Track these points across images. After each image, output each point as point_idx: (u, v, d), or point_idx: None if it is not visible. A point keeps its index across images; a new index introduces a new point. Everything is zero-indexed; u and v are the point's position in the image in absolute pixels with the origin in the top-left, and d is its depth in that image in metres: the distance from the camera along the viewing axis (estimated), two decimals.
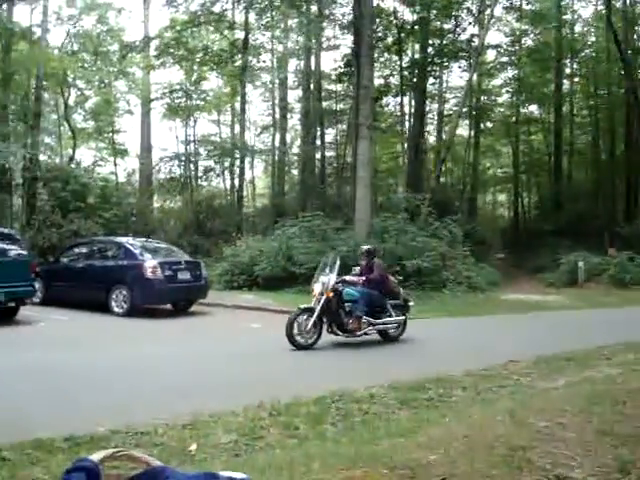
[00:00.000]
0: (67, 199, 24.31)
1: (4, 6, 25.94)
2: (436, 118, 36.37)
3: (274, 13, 28.26)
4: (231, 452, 5.13)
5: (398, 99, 32.89)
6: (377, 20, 26.88)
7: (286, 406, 6.29)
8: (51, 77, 29.12)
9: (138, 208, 29.32)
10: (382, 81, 31.98)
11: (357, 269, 11.70)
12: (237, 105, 33.55)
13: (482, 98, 35.75)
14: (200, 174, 33.55)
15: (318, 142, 33.45)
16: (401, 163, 34.56)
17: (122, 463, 2.44)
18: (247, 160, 32.03)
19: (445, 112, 35.65)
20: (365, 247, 12.07)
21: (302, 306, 10.82)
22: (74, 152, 31.63)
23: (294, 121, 37.64)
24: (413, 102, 33.19)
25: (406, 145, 32.56)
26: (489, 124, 37.48)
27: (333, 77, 32.89)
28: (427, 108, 34.48)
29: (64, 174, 25.60)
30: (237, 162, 30.86)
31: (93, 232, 22.23)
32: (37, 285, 14.50)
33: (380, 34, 28.99)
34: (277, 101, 35.13)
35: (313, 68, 33.23)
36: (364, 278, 11.20)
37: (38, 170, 25.58)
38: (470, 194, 35.85)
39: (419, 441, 4.47)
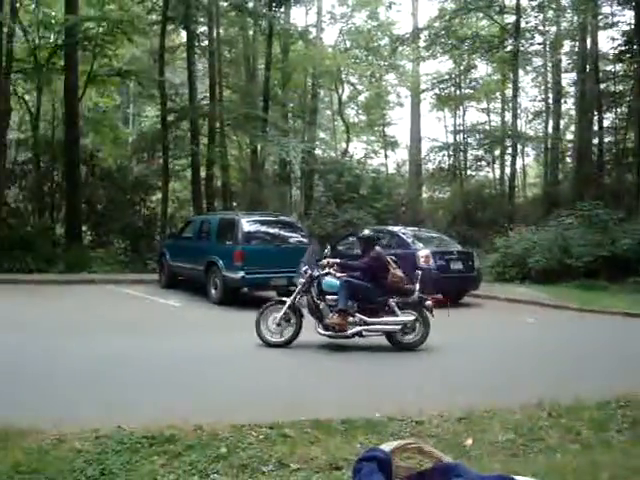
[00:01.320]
0: (341, 190, 25.34)
1: (281, 9, 27.62)
2: None
3: None
4: (508, 451, 4.93)
5: None
6: None
7: (567, 409, 5.92)
8: (326, 74, 30.49)
9: (408, 198, 29.74)
10: None
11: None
12: (507, 92, 32.59)
13: None
14: (469, 164, 33.14)
15: (595, 127, 31.38)
16: None
17: (412, 455, 2.37)
18: (518, 148, 30.99)
19: None
20: (363, 233, 10.50)
21: (278, 298, 9.91)
22: (347, 145, 32.92)
23: (568, 106, 35.71)
24: None
25: None
26: None
27: (611, 57, 30.62)
28: None
29: (338, 167, 26.72)
30: (507, 151, 30.01)
31: (366, 222, 22.87)
32: None
33: None
34: (550, 85, 33.54)
35: (589, 48, 31.21)
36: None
37: (315, 163, 26.96)
38: None
39: None
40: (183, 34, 26.28)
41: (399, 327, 9.30)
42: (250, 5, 26.15)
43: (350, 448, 4.90)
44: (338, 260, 10.11)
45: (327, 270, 9.63)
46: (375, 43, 33.46)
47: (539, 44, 30.27)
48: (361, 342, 9.39)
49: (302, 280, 9.51)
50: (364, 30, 33.36)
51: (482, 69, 34.66)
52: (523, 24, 28.14)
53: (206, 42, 25.21)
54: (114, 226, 22.53)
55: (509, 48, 28.29)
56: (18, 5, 21.82)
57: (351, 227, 21.76)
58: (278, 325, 9.32)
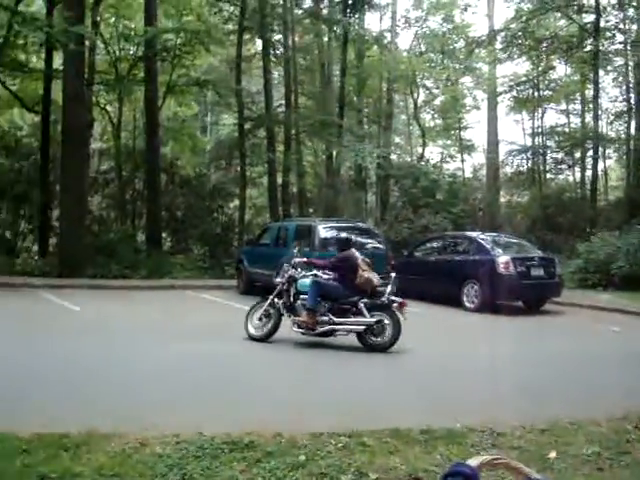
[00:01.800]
0: (417, 195, 25.13)
1: (356, 15, 27.65)
2: None
3: None
4: (593, 465, 4.76)
5: None
6: None
7: None
8: (401, 79, 30.37)
9: (485, 203, 29.29)
10: None
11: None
12: (587, 92, 31.73)
13: None
14: (549, 167, 32.41)
15: None
16: None
17: (499, 471, 2.31)
18: (599, 150, 30.12)
19: None
20: (339, 236, 11.06)
21: (267, 296, 10.05)
22: (423, 150, 32.67)
23: None
24: None
25: None
26: None
27: None
28: None
29: (414, 171, 26.51)
30: (588, 153, 29.20)
31: (442, 227, 22.64)
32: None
33: None
34: (632, 85, 32.47)
35: None
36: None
37: (390, 168, 26.85)
38: None
39: None
40: (259, 43, 26.69)
41: (363, 328, 9.35)
42: (325, 12, 26.32)
43: (430, 459, 4.84)
44: (305, 259, 10.50)
45: (315, 271, 9.99)
46: (450, 46, 33.15)
47: (620, 43, 29.32)
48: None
49: (278, 280, 10.05)
50: (439, 33, 33.09)
51: (561, 70, 33.90)
52: (603, 23, 27.31)
53: (281, 50, 25.48)
54: (193, 233, 22.98)
55: (588, 48, 27.53)
56: (99, 19, 22.56)
57: (428, 233, 21.55)
58: (260, 320, 9.92)
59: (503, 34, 29.15)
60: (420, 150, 33.20)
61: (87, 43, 19.19)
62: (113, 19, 25.08)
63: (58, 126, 20.54)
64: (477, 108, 36.35)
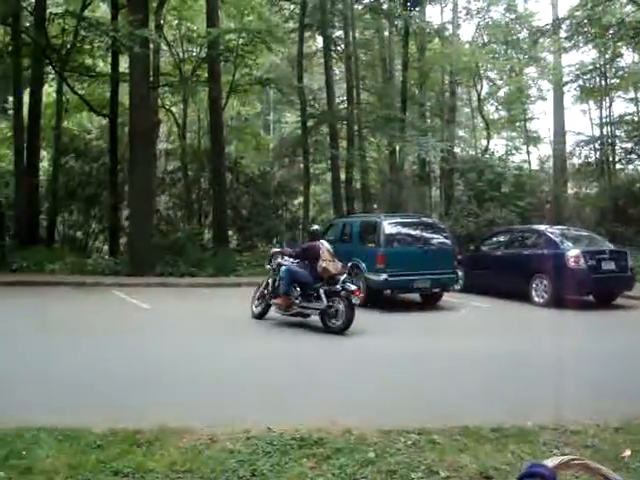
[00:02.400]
0: (482, 189, 24.80)
1: (417, 8, 27.40)
2: None
3: None
4: None
5: None
6: None
7: None
8: (463, 71, 29.96)
9: (552, 195, 28.70)
10: None
11: None
12: None
13: None
14: (618, 157, 31.50)
15: None
16: None
17: (576, 472, 2.26)
18: None
19: None
20: (309, 228, 13.02)
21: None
22: (488, 142, 32.17)
23: None
24: None
25: None
26: None
27: None
28: None
29: (479, 164, 26.18)
30: None
31: (509, 221, 22.28)
32: (459, 273, 15.03)
33: None
34: None
35: None
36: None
37: (454, 162, 26.57)
38: None
39: None
40: (320, 40, 26.69)
41: (319, 311, 10.65)
42: (385, 6, 26.18)
43: (501, 457, 4.78)
44: (279, 249, 12.39)
45: (291, 260, 11.49)
46: (514, 36, 32.47)
47: None
48: None
49: (268, 267, 11.98)
50: (502, 23, 32.47)
51: (629, 57, 32.88)
52: None
53: (342, 46, 25.46)
54: (258, 230, 23.20)
55: None
56: (162, 22, 22.98)
57: (494, 227, 21.23)
58: (257, 300, 11.77)
59: (568, 22, 28.42)
60: (484, 143, 32.73)
61: (151, 46, 19.54)
62: (176, 22, 25.53)
63: (125, 128, 21.00)
64: (543, 99, 35.57)
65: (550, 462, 2.13)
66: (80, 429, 5.14)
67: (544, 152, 35.95)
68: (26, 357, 8.13)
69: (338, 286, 10.46)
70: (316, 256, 10.89)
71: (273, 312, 11.47)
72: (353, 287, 10.55)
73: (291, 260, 11.42)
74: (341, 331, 10.29)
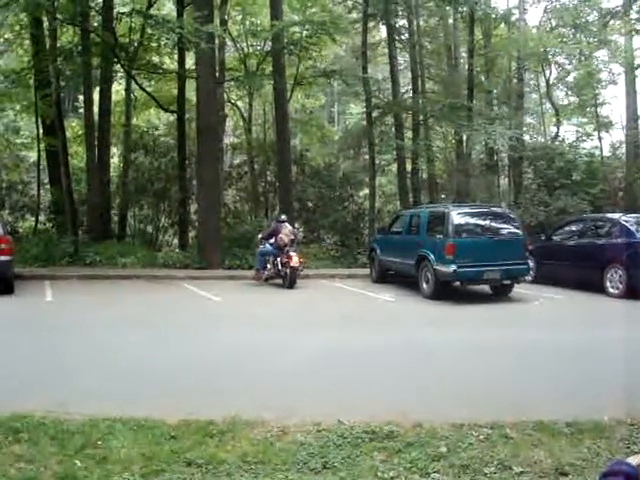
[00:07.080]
0: (552, 177, 24.22)
1: None
2: None
3: None
4: None
5: None
6: None
7: None
8: (531, 57, 29.30)
9: (626, 182, 27.83)
10: None
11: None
12: None
13: None
14: None
15: None
16: None
17: None
18: None
19: None
20: (280, 217, 16.56)
21: None
22: (558, 129, 31.41)
23: None
24: None
25: None
26: None
27: None
28: None
29: (549, 152, 25.59)
30: None
31: (580, 209, 21.71)
32: (530, 263, 14.73)
33: None
34: None
35: None
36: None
37: (523, 150, 26.02)
38: None
39: None
40: (383, 29, 26.47)
41: (272, 274, 15.47)
42: None
43: (577, 452, 4.68)
44: (260, 235, 16.50)
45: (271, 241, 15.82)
46: (583, 19, 31.55)
47: None
48: None
49: (261, 247, 15.89)
50: (570, 6, 31.57)
51: None
52: None
53: (406, 35, 25.22)
54: (324, 222, 23.20)
55: None
56: (227, 17, 23.18)
57: (565, 215, 20.71)
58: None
59: (639, 3, 27.59)
60: (554, 129, 31.95)
61: (217, 42, 19.74)
62: (240, 17, 25.71)
63: (192, 124, 21.29)
64: (614, 83, 34.38)
65: (634, 459, 2.06)
66: (155, 420, 5.24)
67: (617, 138, 34.88)
68: (112, 350, 8.29)
69: (284, 255, 14.91)
70: (278, 233, 15.44)
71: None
72: (292, 253, 14.75)
73: (268, 242, 15.64)
74: (289, 288, 14.75)
